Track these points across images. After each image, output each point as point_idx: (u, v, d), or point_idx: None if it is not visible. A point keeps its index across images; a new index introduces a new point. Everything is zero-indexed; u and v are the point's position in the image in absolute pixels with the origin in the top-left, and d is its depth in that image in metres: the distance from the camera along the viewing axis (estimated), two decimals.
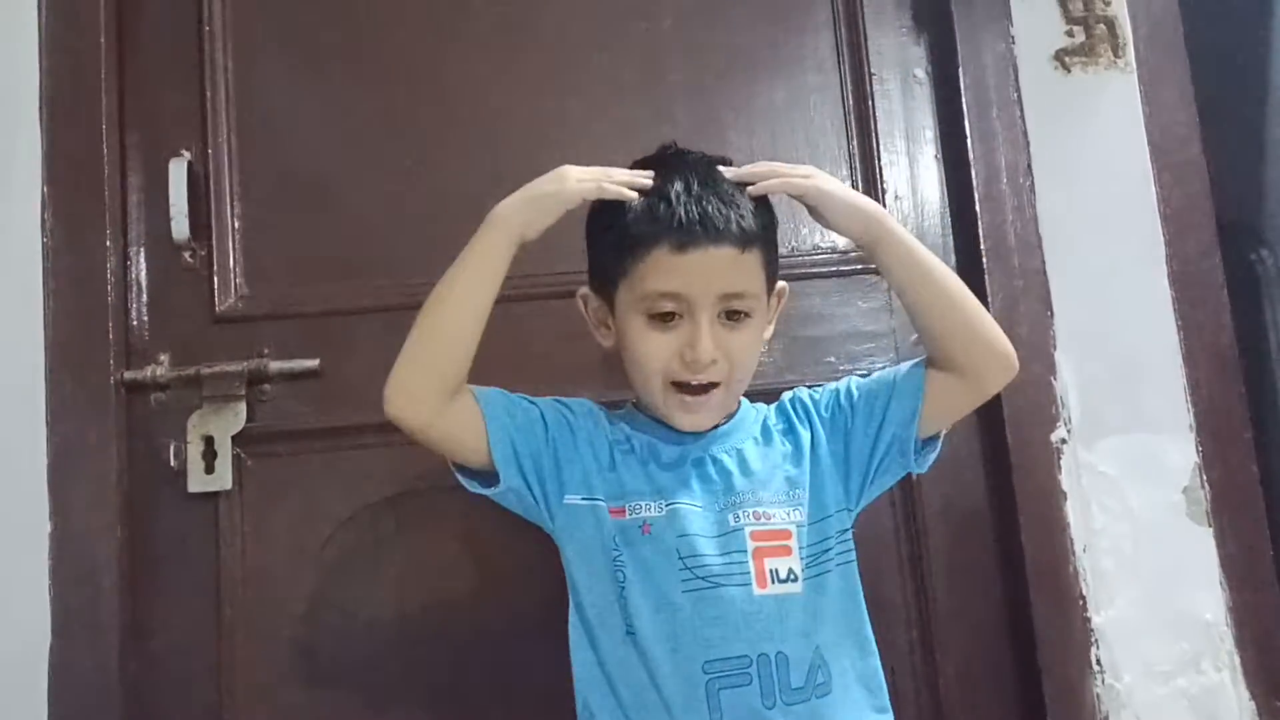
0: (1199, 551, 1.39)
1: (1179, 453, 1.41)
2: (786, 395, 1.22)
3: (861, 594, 1.13)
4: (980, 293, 1.42)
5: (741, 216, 1.07)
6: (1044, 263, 1.43)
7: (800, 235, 1.48)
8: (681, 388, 1.10)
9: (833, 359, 1.45)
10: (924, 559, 1.41)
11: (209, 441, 1.40)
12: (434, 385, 1.07)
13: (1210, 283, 1.44)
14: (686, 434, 1.13)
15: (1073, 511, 1.39)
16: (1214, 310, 1.44)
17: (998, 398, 1.40)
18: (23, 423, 1.36)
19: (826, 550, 1.10)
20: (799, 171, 1.13)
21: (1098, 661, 1.36)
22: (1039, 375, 1.41)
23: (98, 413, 1.38)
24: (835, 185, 1.14)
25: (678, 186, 1.08)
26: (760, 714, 1.02)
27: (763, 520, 1.08)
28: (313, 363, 1.42)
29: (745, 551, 1.06)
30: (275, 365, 1.42)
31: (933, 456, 1.16)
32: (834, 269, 1.48)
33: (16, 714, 1.32)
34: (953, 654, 1.39)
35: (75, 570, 1.35)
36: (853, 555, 1.13)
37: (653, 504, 1.09)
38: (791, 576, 1.06)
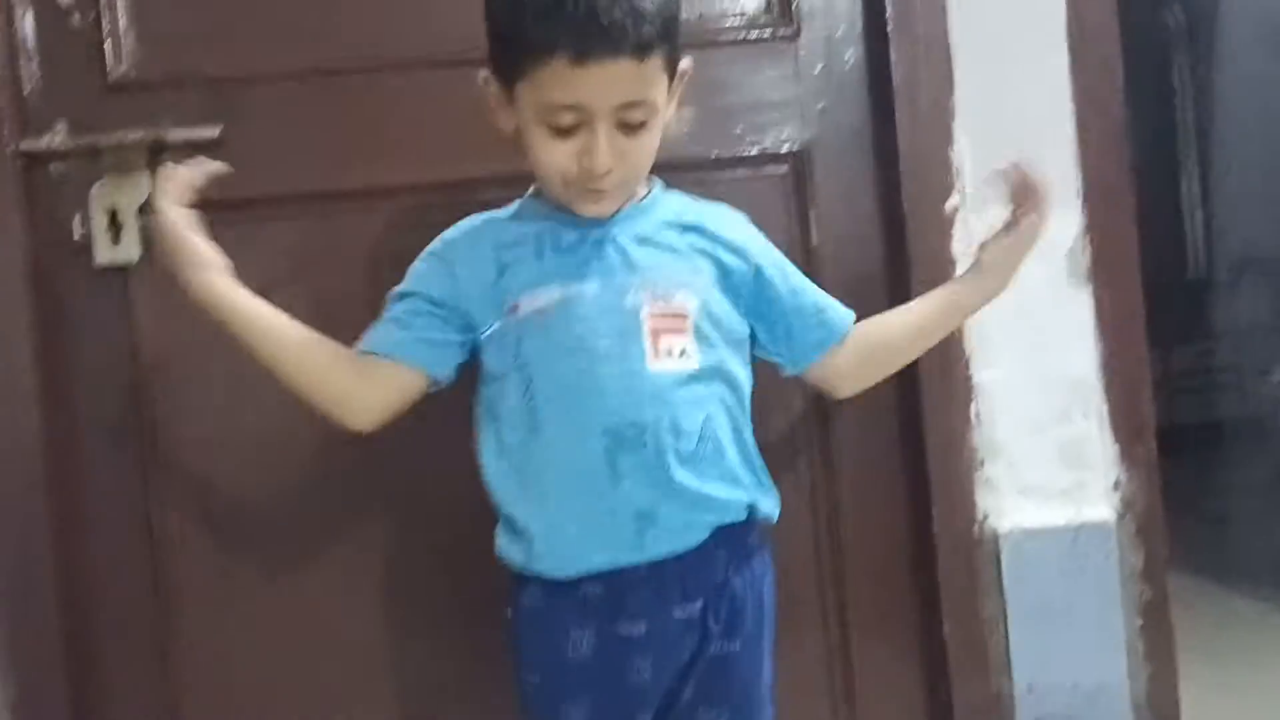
0: (1076, 312, 1.48)
1: (1066, 220, 1.47)
2: (713, 212, 1.22)
3: (748, 397, 1.18)
4: (884, 64, 1.45)
5: (643, 18, 1.04)
6: (946, 32, 1.45)
7: (708, 1, 1.47)
8: (582, 187, 1.11)
9: (740, 129, 1.47)
10: None
11: (113, 213, 1.39)
12: (350, 404, 1.16)
13: (1108, 53, 1.47)
14: (586, 219, 1.14)
15: None
16: (1109, 79, 1.48)
17: (896, 167, 1.45)
18: None
19: (721, 340, 1.15)
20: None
21: (977, 415, 1.46)
22: (937, 146, 1.45)
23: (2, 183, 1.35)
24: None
25: None
26: (655, 473, 1.07)
27: (661, 300, 1.11)
28: (213, 131, 1.40)
29: (640, 329, 1.10)
30: (174, 134, 1.39)
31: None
32: (741, 37, 1.47)
33: None
34: (846, 411, 1.47)
35: None
36: (745, 356, 1.20)
37: (547, 290, 1.11)
38: (685, 354, 1.11)
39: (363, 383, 1.15)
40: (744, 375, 1.18)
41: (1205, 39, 4.88)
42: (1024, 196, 1.23)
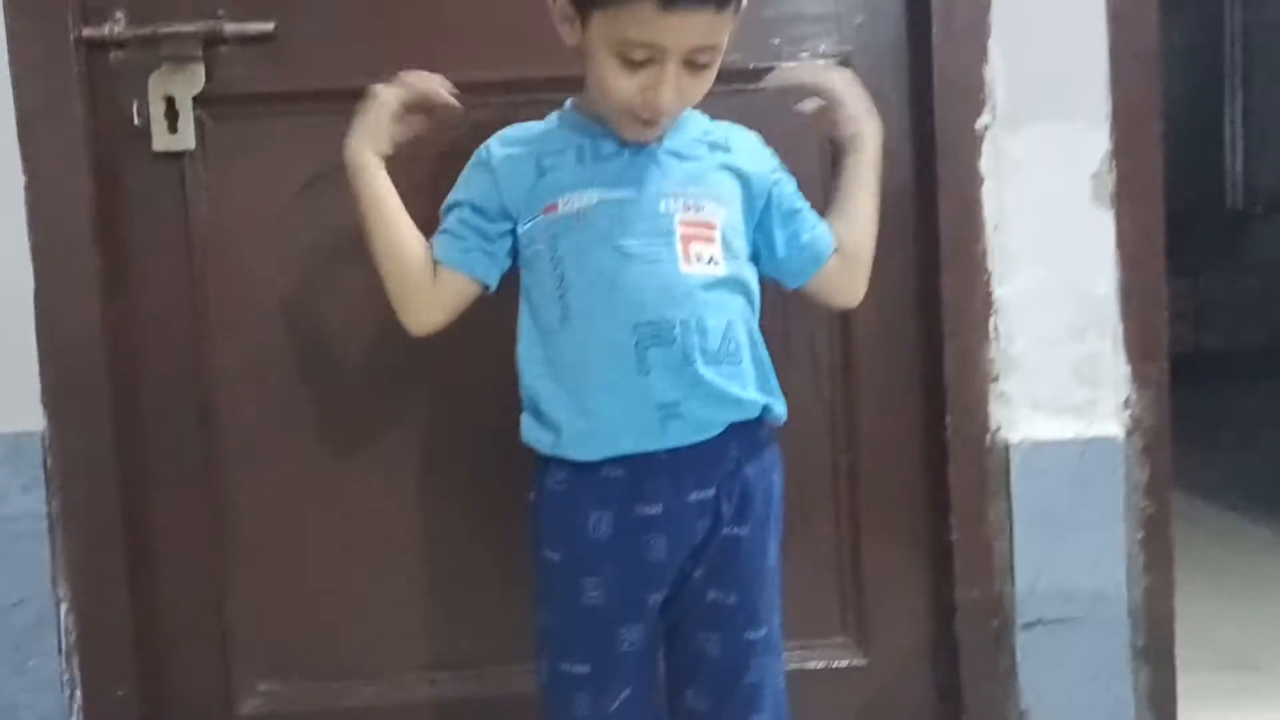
0: (1099, 233, 1.51)
1: (1093, 142, 1.50)
2: (736, 134, 1.28)
3: (759, 309, 1.24)
4: None
5: None
6: None
7: None
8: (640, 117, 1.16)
9: (778, 40, 1.50)
10: None
11: (170, 102, 1.44)
12: (421, 305, 1.23)
13: None
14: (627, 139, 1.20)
15: (989, 193, 1.49)
16: (1144, 3, 1.49)
17: (929, 83, 1.48)
18: None
19: (741, 251, 1.22)
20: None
21: (995, 329, 1.51)
22: (972, 63, 1.47)
23: (61, 71, 1.41)
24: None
25: None
26: (682, 368, 1.14)
27: (692, 210, 1.18)
28: (267, 25, 1.45)
29: (673, 234, 1.16)
30: (230, 27, 1.44)
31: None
32: None
33: (8, 361, 1.44)
34: (867, 320, 1.52)
35: (51, 223, 1.43)
36: (755, 271, 1.25)
37: (585, 194, 1.18)
38: (713, 261, 1.17)
39: (434, 285, 1.23)
40: (757, 289, 1.24)
41: None
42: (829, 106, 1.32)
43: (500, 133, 1.26)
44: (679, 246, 1.16)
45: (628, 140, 1.19)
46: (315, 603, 1.53)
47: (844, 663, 1.59)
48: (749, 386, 1.19)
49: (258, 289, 1.49)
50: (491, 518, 1.48)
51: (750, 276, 1.23)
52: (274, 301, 1.49)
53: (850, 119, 1.30)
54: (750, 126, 1.30)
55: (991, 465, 1.52)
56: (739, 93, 1.39)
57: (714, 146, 1.24)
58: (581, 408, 1.16)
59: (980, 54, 1.48)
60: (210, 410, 1.50)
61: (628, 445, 1.15)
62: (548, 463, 1.20)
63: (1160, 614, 1.57)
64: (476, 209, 1.22)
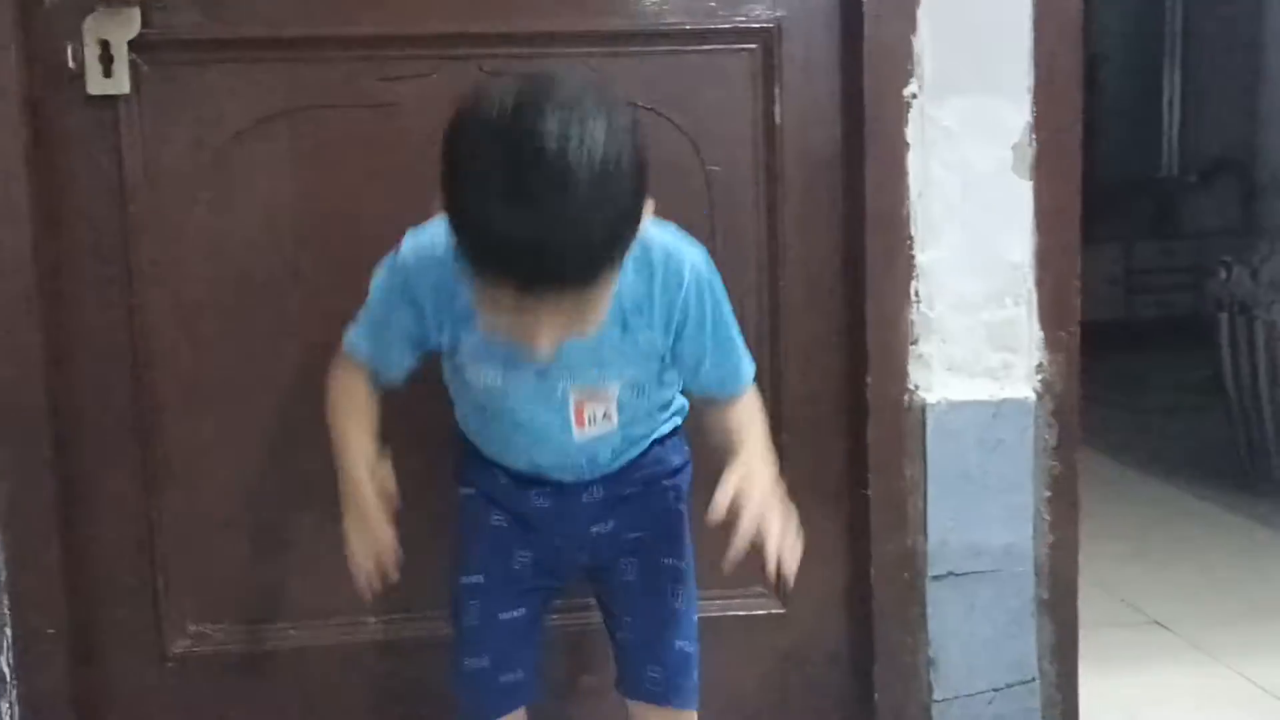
0: (1018, 202, 1.56)
1: (1016, 113, 1.55)
2: (661, 278, 1.15)
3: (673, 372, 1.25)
4: None
5: (593, 254, 0.96)
6: None
7: None
8: None
9: (714, 2, 1.52)
10: (779, 199, 1.56)
11: (105, 45, 1.44)
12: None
13: None
14: None
15: (914, 161, 1.53)
16: None
17: (859, 53, 1.52)
18: None
19: (649, 387, 1.23)
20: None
21: (916, 293, 1.56)
22: (900, 33, 1.51)
23: None
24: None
25: (517, 224, 0.92)
26: (573, 476, 1.27)
27: (587, 392, 1.19)
28: None
29: (567, 407, 1.19)
30: None
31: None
32: None
33: None
34: (795, 284, 1.57)
35: None
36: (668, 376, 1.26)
37: (490, 371, 1.17)
38: (606, 418, 1.21)
39: (376, 392, 1.25)
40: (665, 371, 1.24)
41: None
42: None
43: (415, 242, 1.17)
44: (571, 415, 1.19)
45: None
46: (249, 546, 1.55)
47: (763, 611, 1.64)
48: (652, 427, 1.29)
49: (191, 235, 1.50)
50: (430, 462, 1.50)
51: (662, 393, 1.27)
52: (207, 247, 1.50)
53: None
54: (681, 89, 1.32)
55: (908, 424, 1.58)
56: (675, 54, 1.42)
57: (628, 317, 1.15)
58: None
59: (910, 23, 1.51)
60: (143, 354, 1.51)
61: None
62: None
63: (1065, 570, 1.64)
64: (396, 322, 1.20)
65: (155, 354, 1.51)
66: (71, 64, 1.44)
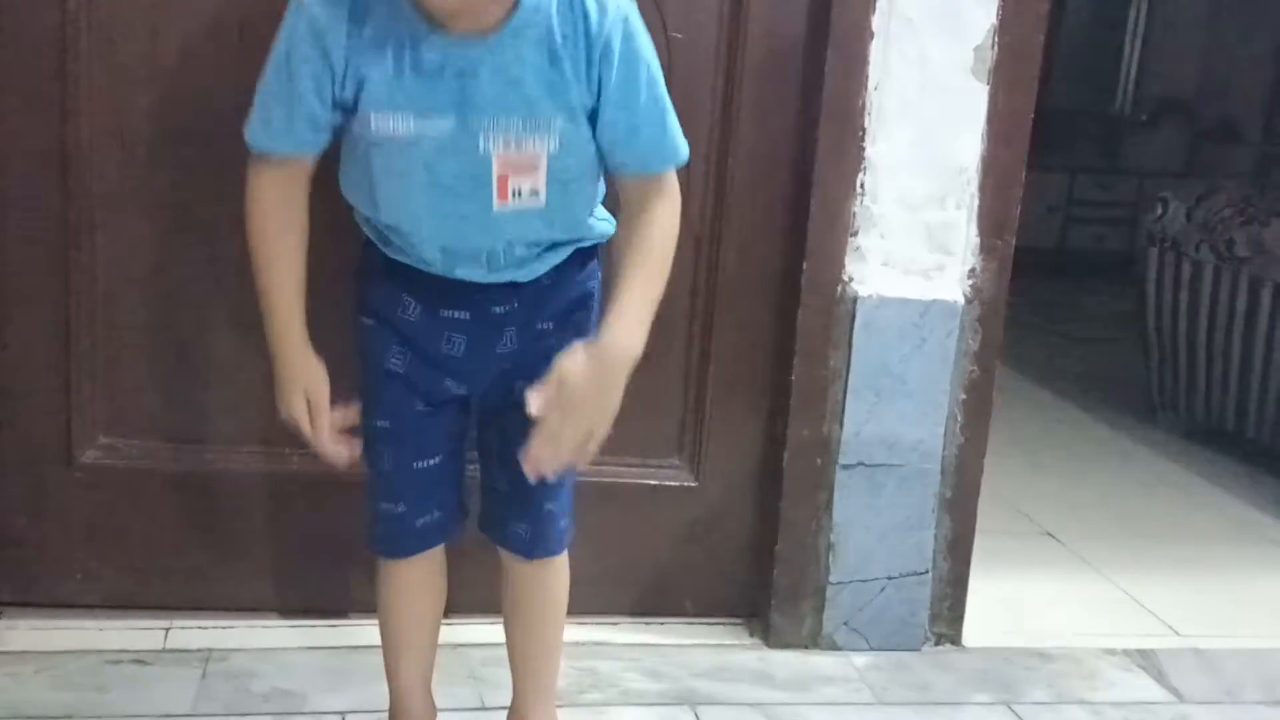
0: (971, 106, 1.57)
1: (983, 14, 1.54)
2: (586, 17, 1.09)
3: (600, 181, 1.20)
4: None
5: None
6: None
7: None
8: None
9: None
10: (738, 74, 1.55)
11: None
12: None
13: None
14: (452, 37, 1.06)
15: (875, 51, 1.53)
16: None
17: None
18: None
19: (571, 169, 1.13)
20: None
21: (861, 186, 1.57)
22: None
23: None
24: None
25: None
26: (484, 273, 1.17)
27: (513, 146, 1.09)
28: None
29: (489, 174, 1.10)
30: None
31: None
32: None
33: None
34: (742, 169, 1.57)
35: None
36: (596, 162, 1.16)
37: (401, 117, 1.08)
38: (534, 194, 1.12)
39: (298, 201, 1.16)
40: (595, 154, 1.16)
41: None
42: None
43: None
44: (494, 184, 1.11)
45: (448, 32, 1.06)
46: (167, 364, 1.54)
47: (676, 483, 1.68)
48: (570, 232, 1.20)
49: (130, 55, 1.45)
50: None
51: (588, 158, 1.15)
52: (146, 69, 1.45)
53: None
54: None
55: (838, 314, 1.60)
56: None
57: (550, 40, 1.08)
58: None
59: None
60: (70, 168, 1.46)
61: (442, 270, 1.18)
62: (370, 243, 1.22)
63: (969, 472, 1.70)
64: (308, 81, 1.09)
65: (85, 170, 1.47)
66: None
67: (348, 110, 1.10)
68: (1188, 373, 2.88)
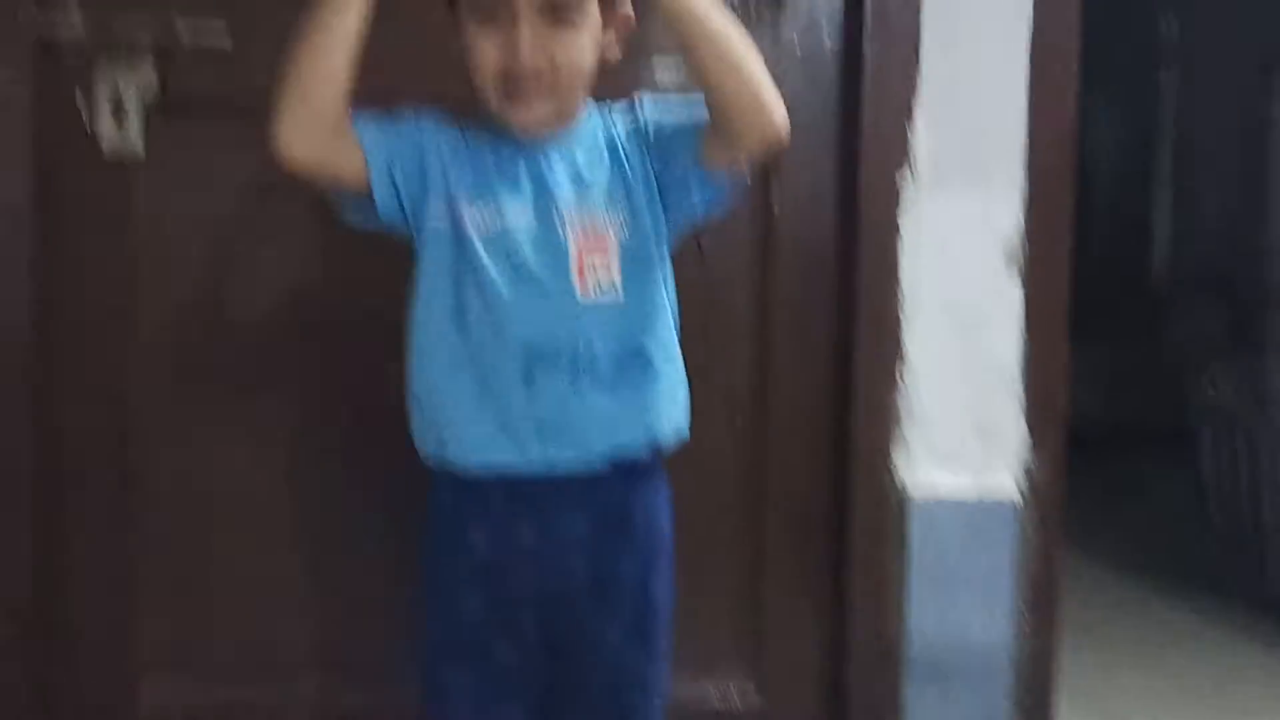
0: (1008, 302, 1.58)
1: (1008, 213, 1.57)
2: (641, 102, 1.25)
3: (671, 312, 1.23)
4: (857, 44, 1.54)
5: None
6: (919, 23, 1.54)
7: None
8: (511, 86, 1.15)
9: None
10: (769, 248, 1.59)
11: (118, 103, 1.47)
12: (307, 122, 1.11)
13: (1066, 61, 1.57)
14: (524, 139, 1.18)
15: (906, 251, 1.56)
16: (1064, 89, 1.57)
17: (858, 141, 1.55)
18: None
19: (648, 262, 1.19)
20: None
21: (903, 381, 1.58)
22: (895, 122, 1.54)
23: (13, 63, 1.44)
24: None
25: None
26: (566, 389, 1.15)
27: (586, 225, 1.17)
28: (223, 40, 1.48)
29: (568, 254, 1.16)
30: (184, 32, 1.47)
31: (722, 198, 1.23)
32: None
33: None
34: (782, 351, 1.60)
35: None
36: (669, 276, 1.23)
37: (480, 201, 1.17)
38: (613, 288, 1.17)
39: (332, 122, 1.14)
40: (668, 301, 1.22)
41: (1195, 51, 4.98)
42: None
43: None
44: (573, 267, 1.16)
45: (516, 126, 1.17)
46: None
47: (740, 704, 1.63)
48: (640, 410, 1.19)
49: (188, 287, 1.53)
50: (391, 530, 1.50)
51: (659, 294, 1.21)
52: (204, 298, 1.53)
53: None
54: None
55: (894, 518, 1.58)
56: None
57: (611, 139, 1.22)
58: (464, 416, 1.16)
59: (906, 114, 1.54)
60: (132, 397, 1.53)
61: (505, 460, 1.16)
62: (435, 477, 1.21)
63: (1043, 674, 1.63)
64: (418, 130, 1.20)
65: (140, 404, 1.53)
66: (85, 116, 1.48)
67: (412, 202, 1.17)
68: (1258, 547, 2.79)
